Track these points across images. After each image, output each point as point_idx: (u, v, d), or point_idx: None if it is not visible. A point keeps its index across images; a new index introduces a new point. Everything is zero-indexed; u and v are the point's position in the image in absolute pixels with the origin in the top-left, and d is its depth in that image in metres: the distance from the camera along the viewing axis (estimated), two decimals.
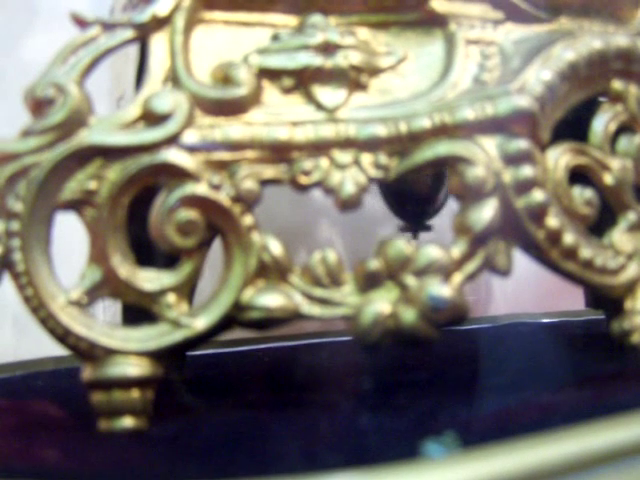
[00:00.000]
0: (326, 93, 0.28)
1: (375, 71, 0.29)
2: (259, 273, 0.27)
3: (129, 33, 0.28)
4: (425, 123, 0.28)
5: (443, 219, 0.48)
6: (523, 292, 0.60)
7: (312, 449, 0.24)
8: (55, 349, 0.28)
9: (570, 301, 0.47)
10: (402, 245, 0.27)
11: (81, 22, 0.28)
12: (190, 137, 0.27)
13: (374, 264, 0.27)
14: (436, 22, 0.30)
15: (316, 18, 0.29)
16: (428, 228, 0.49)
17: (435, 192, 0.48)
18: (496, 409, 0.28)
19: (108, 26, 0.28)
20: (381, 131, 0.28)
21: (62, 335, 0.26)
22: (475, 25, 0.30)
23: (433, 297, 0.26)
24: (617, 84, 0.31)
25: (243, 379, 0.39)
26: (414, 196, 0.48)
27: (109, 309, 0.42)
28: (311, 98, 0.28)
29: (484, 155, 0.28)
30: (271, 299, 0.26)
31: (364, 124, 0.28)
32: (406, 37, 0.30)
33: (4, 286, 0.27)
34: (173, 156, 0.27)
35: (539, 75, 0.29)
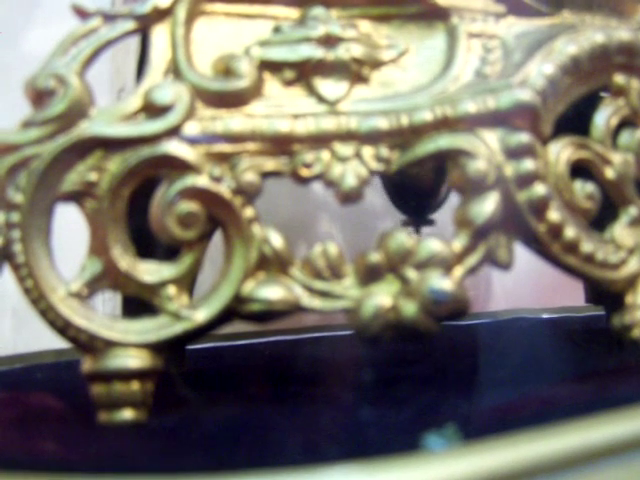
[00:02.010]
0: (327, 86, 0.28)
1: (377, 64, 0.29)
2: (260, 265, 0.27)
3: (130, 24, 0.28)
4: (427, 116, 0.28)
5: (444, 213, 0.48)
6: (523, 288, 0.60)
7: (312, 442, 0.24)
8: (55, 341, 0.28)
9: (570, 297, 0.47)
10: (403, 238, 0.27)
11: (82, 13, 0.28)
12: (191, 129, 0.27)
13: (375, 257, 0.27)
14: (438, 15, 0.30)
15: (318, 10, 0.29)
16: (430, 222, 0.49)
17: (437, 186, 0.48)
18: (496, 403, 0.28)
19: (109, 17, 0.28)
20: (382, 124, 0.28)
21: (62, 327, 0.26)
22: (477, 18, 0.30)
23: (434, 290, 0.26)
24: (619, 78, 0.31)
25: (243, 372, 0.39)
26: (416, 190, 0.48)
27: (109, 302, 0.42)
28: (312, 91, 0.28)
29: (486, 148, 0.28)
30: (271, 291, 0.26)
31: (365, 117, 0.28)
32: (408, 30, 0.30)
33: (4, 278, 0.27)
34: (174, 148, 0.27)
35: (541, 69, 0.29)
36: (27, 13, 0.51)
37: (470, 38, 0.30)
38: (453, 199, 0.29)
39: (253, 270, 0.27)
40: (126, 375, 0.26)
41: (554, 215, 0.28)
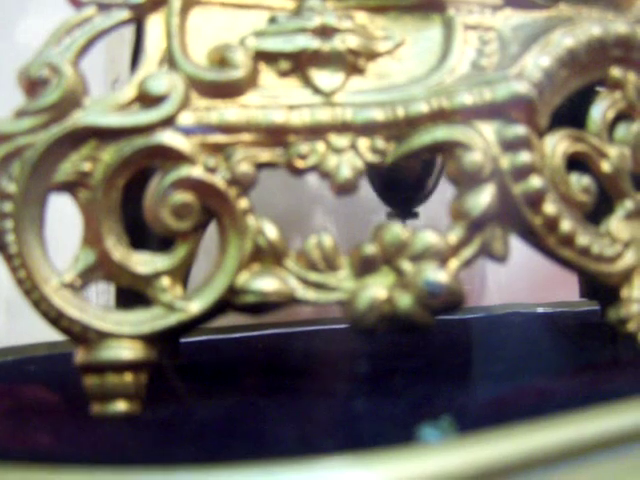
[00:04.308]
0: (323, 77, 0.28)
1: (372, 55, 0.29)
2: (254, 257, 0.26)
3: (125, 14, 0.28)
4: (423, 108, 0.28)
5: (437, 207, 0.48)
6: (517, 282, 0.60)
7: (307, 434, 0.24)
8: (48, 334, 0.27)
9: (565, 292, 0.47)
10: (398, 230, 0.27)
11: (76, 2, 0.28)
12: (186, 119, 0.27)
13: (370, 249, 0.27)
14: (434, 7, 0.30)
15: (314, 1, 0.29)
16: (415, 215, 0.49)
17: (424, 179, 0.48)
18: (492, 396, 0.27)
19: (103, 6, 0.28)
20: (378, 115, 0.28)
21: (55, 318, 0.26)
22: (474, 10, 0.30)
23: (429, 282, 0.26)
24: (616, 71, 0.31)
25: (237, 365, 0.39)
26: (403, 183, 0.48)
27: (102, 295, 0.41)
28: (308, 81, 0.28)
29: (482, 140, 0.27)
30: (266, 283, 0.26)
31: (361, 108, 0.28)
32: (404, 21, 0.30)
33: None
34: (168, 138, 0.26)
35: (537, 61, 0.29)
36: (19, 4, 0.51)
37: (466, 30, 0.30)
38: (447, 193, 0.29)
39: (247, 261, 0.26)
40: (119, 366, 0.26)
41: (550, 208, 0.28)
